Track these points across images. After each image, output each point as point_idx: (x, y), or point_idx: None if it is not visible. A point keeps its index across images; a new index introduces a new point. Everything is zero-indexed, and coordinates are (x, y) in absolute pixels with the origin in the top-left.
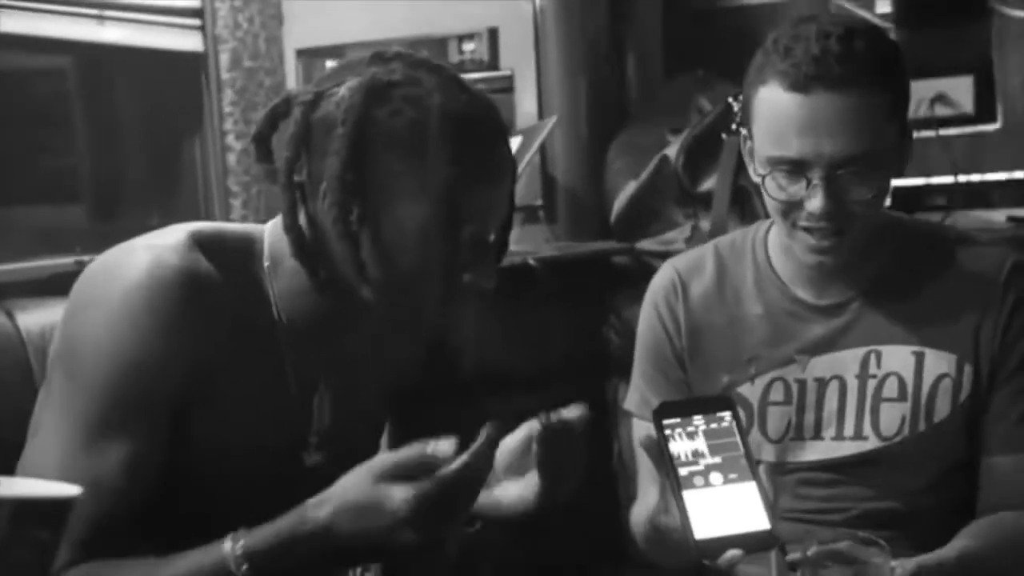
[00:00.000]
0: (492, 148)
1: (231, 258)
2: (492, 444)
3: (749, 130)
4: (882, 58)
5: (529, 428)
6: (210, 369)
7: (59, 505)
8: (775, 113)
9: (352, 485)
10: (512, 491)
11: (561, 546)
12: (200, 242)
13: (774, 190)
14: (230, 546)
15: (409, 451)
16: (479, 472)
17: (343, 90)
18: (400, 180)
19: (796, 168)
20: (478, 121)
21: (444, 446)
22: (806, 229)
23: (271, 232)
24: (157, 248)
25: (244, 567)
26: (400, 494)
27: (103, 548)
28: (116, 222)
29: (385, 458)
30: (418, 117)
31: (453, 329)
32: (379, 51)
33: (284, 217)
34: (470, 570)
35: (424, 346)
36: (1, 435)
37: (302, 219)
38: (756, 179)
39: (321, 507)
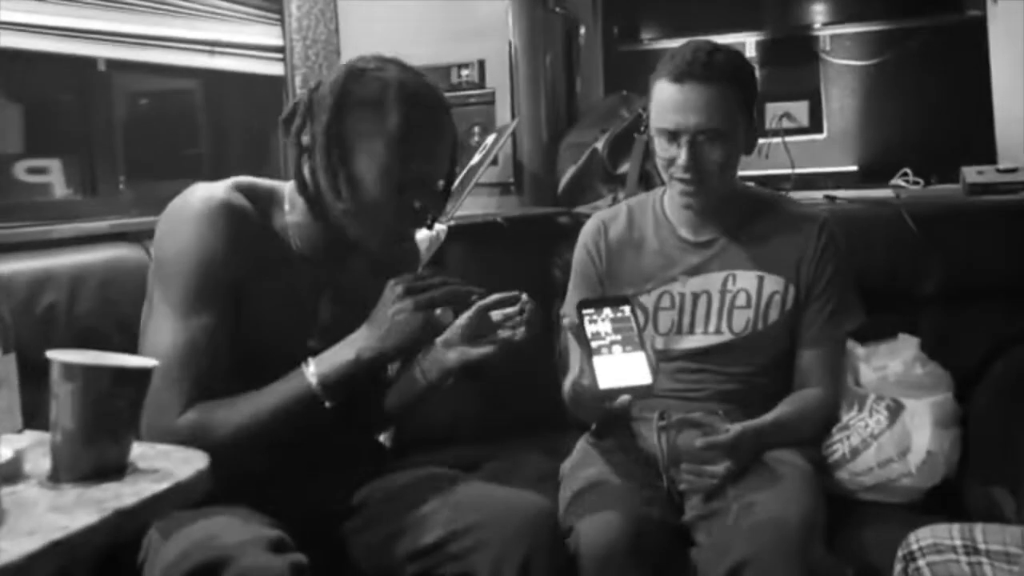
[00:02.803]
0: (435, 112)
1: (260, 200)
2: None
3: (649, 111)
4: (734, 67)
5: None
6: (246, 272)
7: (142, 372)
8: (660, 96)
9: (379, 306)
10: (473, 352)
11: (517, 413)
12: (239, 188)
13: (659, 150)
14: (309, 371)
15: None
16: (455, 290)
17: (333, 76)
18: (367, 130)
19: (672, 135)
20: (426, 95)
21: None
22: (678, 179)
23: (290, 186)
24: (211, 188)
25: (316, 383)
26: (394, 289)
27: (203, 394)
28: None
29: (395, 280)
30: (381, 88)
31: (408, 242)
32: (362, 55)
33: (292, 167)
34: (448, 430)
35: (386, 256)
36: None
37: (305, 169)
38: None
39: (360, 331)
